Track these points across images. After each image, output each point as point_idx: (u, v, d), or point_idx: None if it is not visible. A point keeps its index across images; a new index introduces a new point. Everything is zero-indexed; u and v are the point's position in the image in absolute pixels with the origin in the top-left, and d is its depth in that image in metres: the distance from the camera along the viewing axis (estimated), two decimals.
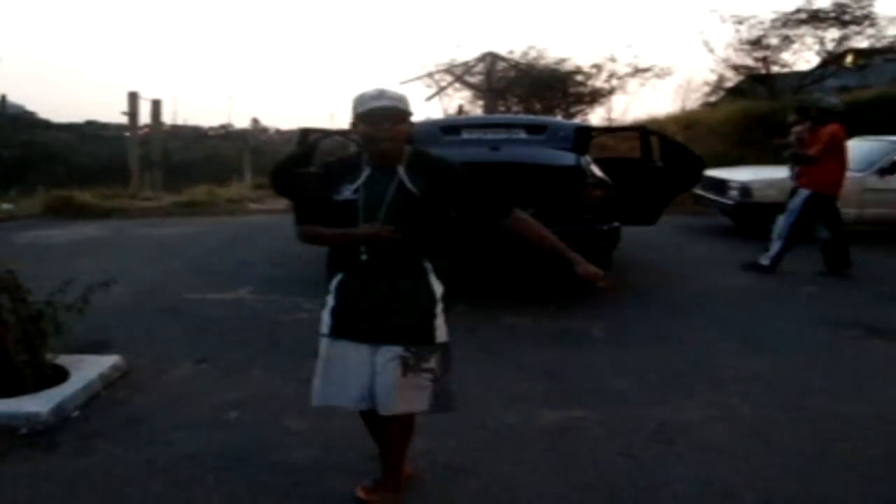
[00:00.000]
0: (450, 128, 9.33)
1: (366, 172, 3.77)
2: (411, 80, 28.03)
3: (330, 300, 3.88)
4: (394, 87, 3.69)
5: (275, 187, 10.31)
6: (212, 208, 17.06)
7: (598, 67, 25.65)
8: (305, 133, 10.30)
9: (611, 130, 15.45)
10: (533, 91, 25.83)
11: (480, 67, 27.15)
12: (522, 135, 8.95)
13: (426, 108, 47.52)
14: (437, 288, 3.86)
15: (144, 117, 21.98)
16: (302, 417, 5.11)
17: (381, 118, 3.63)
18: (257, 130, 42.94)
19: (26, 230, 13.69)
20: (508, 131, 9.11)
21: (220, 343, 6.75)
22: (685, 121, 21.72)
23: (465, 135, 8.93)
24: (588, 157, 8.55)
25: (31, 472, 4.46)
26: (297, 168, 9.52)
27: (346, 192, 3.76)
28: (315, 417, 5.09)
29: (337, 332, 3.85)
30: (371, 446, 4.25)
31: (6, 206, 17.85)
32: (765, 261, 10.01)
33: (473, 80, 27.84)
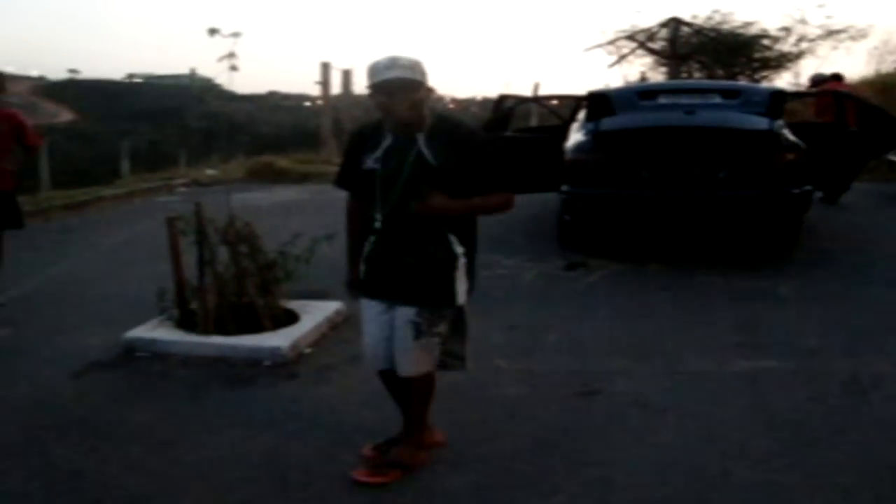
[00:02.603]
0: (647, 93, 9.56)
1: (387, 141, 3.80)
2: (593, 48, 28.02)
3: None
4: (412, 56, 3.68)
5: None
6: None
7: (787, 30, 24.97)
8: (501, 99, 10.77)
9: (806, 95, 15.12)
10: (716, 57, 25.41)
11: (663, 33, 26.79)
12: (717, 99, 9.08)
13: (608, 75, 47.20)
14: (458, 250, 3.85)
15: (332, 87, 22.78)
16: (510, 359, 5.66)
17: (395, 89, 3.63)
18: (434, 99, 43.41)
19: (233, 193, 14.65)
20: (703, 96, 9.26)
21: None
22: (880, 85, 20.89)
23: (662, 99, 9.14)
24: (782, 122, 8.64)
25: (278, 395, 5.12)
26: (494, 133, 9.98)
27: (370, 162, 3.81)
28: (523, 359, 5.68)
29: (364, 291, 4.05)
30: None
31: (210, 171, 19.05)
32: None
33: (656, 46, 27.52)
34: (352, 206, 4.10)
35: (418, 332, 3.85)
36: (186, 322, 6.18)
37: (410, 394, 4.10)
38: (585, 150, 8.64)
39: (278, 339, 5.84)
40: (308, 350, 5.90)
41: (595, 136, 8.61)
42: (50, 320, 6.94)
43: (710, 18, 26.02)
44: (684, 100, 8.98)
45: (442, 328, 3.92)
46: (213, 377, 5.44)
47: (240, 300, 6.20)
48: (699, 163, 8.28)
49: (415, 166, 3.74)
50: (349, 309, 6.64)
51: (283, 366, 5.61)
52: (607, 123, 8.66)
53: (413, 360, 3.91)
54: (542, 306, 7.03)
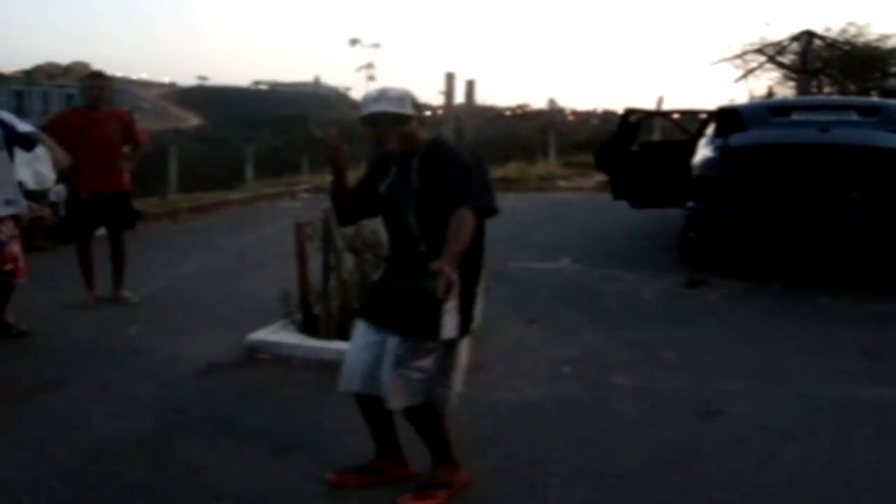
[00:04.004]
0: (779, 108, 9.36)
1: (394, 170, 3.89)
2: (719, 62, 27.58)
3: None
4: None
5: (598, 164, 10.82)
6: (522, 185, 17.74)
7: None
8: (627, 113, 10.70)
9: None
10: (848, 71, 24.70)
11: (794, 47, 26.11)
12: (854, 116, 8.82)
13: (733, 89, 46.39)
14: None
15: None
16: (629, 375, 5.60)
17: (381, 122, 3.74)
18: (554, 111, 43.34)
19: None
20: (839, 112, 9.02)
21: (548, 307, 7.30)
22: None
23: (795, 116, 8.93)
24: None
25: None
26: (621, 147, 9.93)
27: (382, 189, 3.91)
28: (642, 376, 5.60)
29: (361, 312, 4.10)
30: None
31: None
32: None
33: (785, 60, 26.87)
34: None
35: (397, 363, 3.76)
36: (309, 326, 6.30)
37: (413, 426, 4.00)
38: (713, 165, 8.51)
39: None
40: None
41: (724, 152, 8.47)
42: (176, 320, 7.18)
43: (844, 31, 25.30)
44: (819, 116, 8.75)
45: (426, 363, 3.79)
46: (333, 381, 5.48)
47: None
48: (832, 182, 8.06)
49: (408, 193, 3.78)
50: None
51: None
52: (737, 139, 8.51)
53: (392, 392, 3.79)
54: (662, 323, 6.95)
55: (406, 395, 3.79)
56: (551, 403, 5.10)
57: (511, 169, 19.21)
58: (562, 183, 18.21)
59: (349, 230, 6.16)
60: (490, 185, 3.82)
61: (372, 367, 3.87)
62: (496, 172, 18.93)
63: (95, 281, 7.84)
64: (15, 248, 6.65)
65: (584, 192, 15.96)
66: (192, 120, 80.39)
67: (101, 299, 7.74)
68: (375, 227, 6.25)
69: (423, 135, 3.86)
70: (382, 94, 3.76)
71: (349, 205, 4.08)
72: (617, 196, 10.32)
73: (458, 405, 4.01)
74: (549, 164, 21.49)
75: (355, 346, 4.01)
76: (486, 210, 3.73)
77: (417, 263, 3.74)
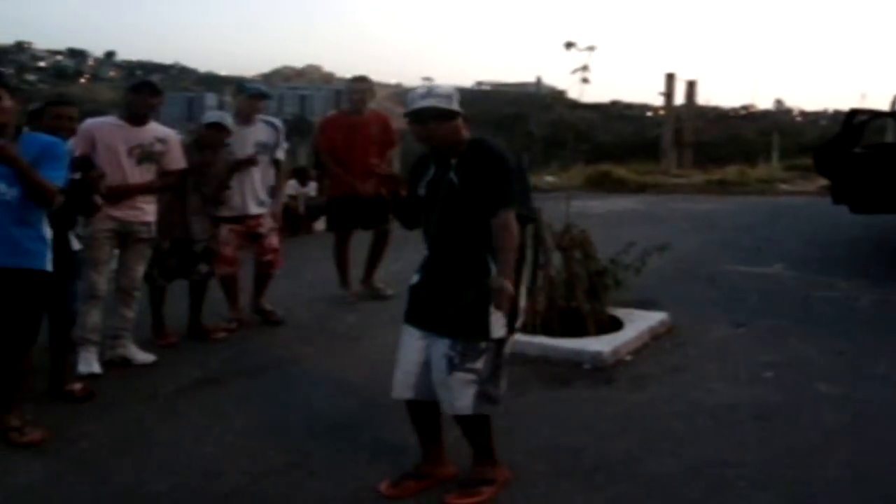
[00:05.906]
0: None
1: (431, 170, 3.97)
2: None
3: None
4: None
5: (817, 168, 10.50)
6: (742, 187, 17.31)
7: None
8: (852, 114, 10.30)
9: None
10: None
11: None
12: None
13: None
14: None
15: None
16: (834, 384, 5.47)
17: (426, 118, 3.79)
18: (780, 111, 41.92)
19: (570, 200, 14.98)
20: None
21: (756, 311, 7.20)
22: None
23: None
24: None
25: (594, 398, 5.33)
26: (843, 149, 9.60)
27: (420, 189, 4.00)
28: (847, 386, 5.46)
29: (406, 318, 4.05)
30: None
31: (549, 178, 19.53)
32: None
33: None
34: None
35: (451, 367, 3.83)
36: None
37: (462, 429, 4.07)
38: None
39: (600, 345, 6.05)
40: (628, 357, 6.05)
41: None
42: (392, 311, 7.36)
43: None
44: None
45: (479, 364, 3.86)
46: (534, 375, 5.72)
47: (568, 304, 6.44)
48: None
49: (447, 192, 3.87)
50: (673, 320, 6.73)
51: (601, 370, 5.80)
52: None
53: (453, 396, 3.88)
54: (876, 333, 6.69)
55: (466, 399, 3.87)
56: (749, 407, 5.10)
57: (730, 171, 18.76)
58: (783, 186, 17.64)
59: (558, 229, 6.36)
60: (529, 191, 4.03)
61: (422, 371, 3.98)
62: (714, 175, 18.60)
63: (350, 277, 8.16)
64: (274, 240, 7.17)
65: (805, 197, 15.38)
66: None
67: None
68: (583, 227, 6.47)
69: (466, 134, 3.95)
70: (429, 91, 3.88)
71: (409, 211, 4.23)
72: (837, 200, 9.96)
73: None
74: (771, 167, 20.85)
75: (403, 352, 4.07)
76: (525, 217, 3.93)
77: (454, 263, 3.93)
